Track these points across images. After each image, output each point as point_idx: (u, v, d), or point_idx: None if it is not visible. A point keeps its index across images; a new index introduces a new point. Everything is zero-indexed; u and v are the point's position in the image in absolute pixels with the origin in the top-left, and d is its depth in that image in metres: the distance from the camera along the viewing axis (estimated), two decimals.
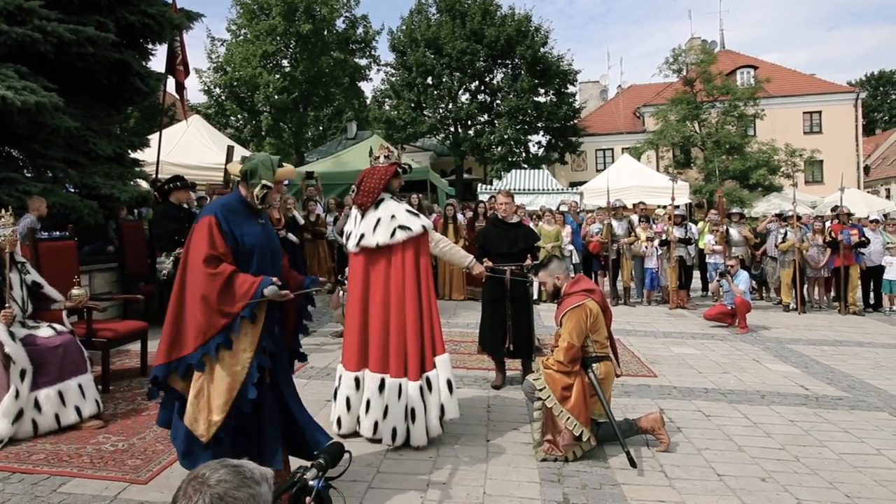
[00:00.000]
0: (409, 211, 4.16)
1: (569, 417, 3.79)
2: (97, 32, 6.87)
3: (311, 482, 1.57)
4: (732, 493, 3.42)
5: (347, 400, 4.06)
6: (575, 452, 3.83)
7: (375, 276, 4.07)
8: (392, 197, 4.22)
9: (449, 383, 3.99)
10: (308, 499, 1.53)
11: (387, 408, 3.90)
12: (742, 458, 3.92)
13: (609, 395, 4.05)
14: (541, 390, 3.90)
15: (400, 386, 3.90)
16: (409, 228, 4.04)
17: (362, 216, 4.16)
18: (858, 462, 3.90)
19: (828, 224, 10.57)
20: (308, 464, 1.67)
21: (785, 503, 3.33)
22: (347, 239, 4.27)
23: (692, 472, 3.71)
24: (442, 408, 3.97)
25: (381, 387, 3.92)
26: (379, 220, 4.07)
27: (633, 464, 3.68)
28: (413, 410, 3.90)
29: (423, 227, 4.10)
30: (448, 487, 3.43)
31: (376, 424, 3.94)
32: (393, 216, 4.07)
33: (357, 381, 4.06)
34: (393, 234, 4.02)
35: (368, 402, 3.97)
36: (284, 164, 3.29)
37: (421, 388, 3.92)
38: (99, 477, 3.43)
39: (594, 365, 3.97)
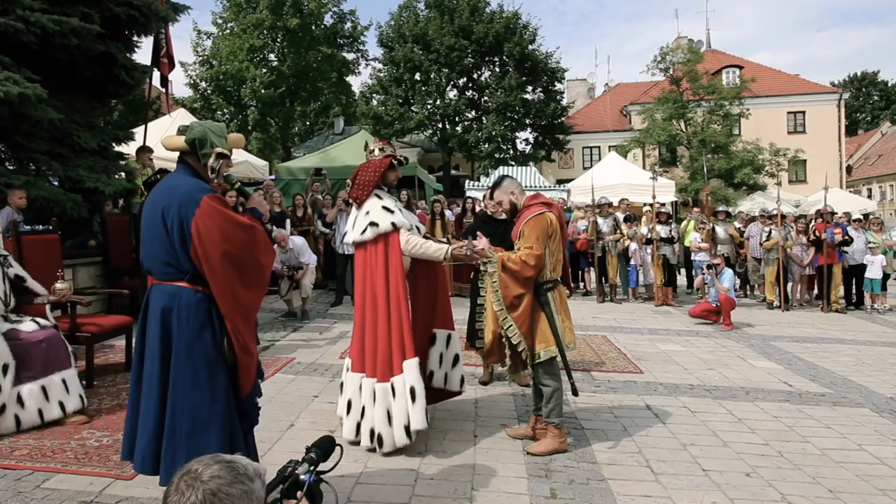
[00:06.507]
0: (384, 208, 3.90)
1: (511, 325, 3.73)
2: (82, 24, 6.76)
3: (302, 476, 1.57)
4: (717, 488, 3.46)
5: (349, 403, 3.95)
6: (503, 367, 4.03)
7: (359, 273, 3.98)
8: (388, 191, 4.08)
9: (412, 391, 3.67)
10: (299, 493, 1.52)
11: (363, 409, 3.79)
12: (727, 454, 3.97)
13: (568, 320, 3.95)
14: (494, 292, 3.75)
15: (374, 387, 3.74)
16: (376, 225, 3.84)
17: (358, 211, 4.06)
18: (841, 457, 3.96)
19: (811, 223, 10.71)
20: (299, 458, 1.66)
21: (769, 497, 3.37)
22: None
23: (678, 467, 3.74)
24: (408, 416, 3.69)
25: (360, 387, 3.82)
26: (357, 216, 3.98)
27: (575, 392, 3.95)
28: (389, 413, 3.72)
29: (393, 223, 3.83)
30: (436, 482, 3.43)
31: (358, 426, 3.82)
32: (368, 212, 3.91)
33: (341, 383, 4.05)
34: (364, 230, 3.88)
35: (349, 403, 3.88)
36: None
37: (387, 392, 3.75)
38: (83, 472, 3.40)
39: (548, 294, 3.84)
